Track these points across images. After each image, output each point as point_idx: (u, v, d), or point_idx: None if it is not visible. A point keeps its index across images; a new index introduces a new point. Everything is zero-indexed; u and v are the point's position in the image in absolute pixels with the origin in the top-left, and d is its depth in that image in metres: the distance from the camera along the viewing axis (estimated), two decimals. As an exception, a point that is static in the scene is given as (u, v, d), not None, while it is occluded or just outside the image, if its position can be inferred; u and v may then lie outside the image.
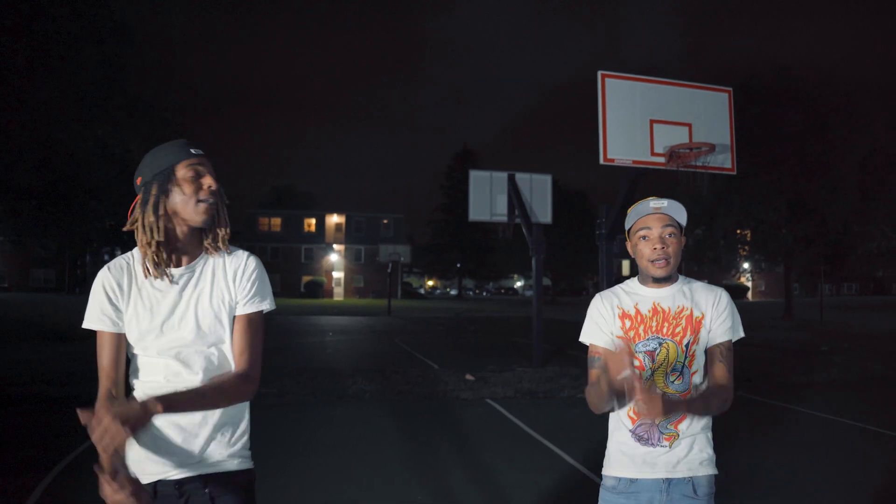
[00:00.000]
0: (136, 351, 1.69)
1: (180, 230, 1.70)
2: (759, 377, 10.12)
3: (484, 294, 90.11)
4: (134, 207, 1.70)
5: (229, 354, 1.73)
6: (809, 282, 57.82)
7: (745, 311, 26.70)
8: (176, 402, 1.49)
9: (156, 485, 1.63)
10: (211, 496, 1.66)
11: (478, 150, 70.75)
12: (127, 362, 1.71)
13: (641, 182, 8.14)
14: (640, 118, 7.72)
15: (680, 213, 1.95)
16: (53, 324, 18.84)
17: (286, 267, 58.88)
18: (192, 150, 1.71)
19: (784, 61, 29.34)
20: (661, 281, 1.96)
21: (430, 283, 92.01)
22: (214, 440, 1.69)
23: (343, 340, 16.09)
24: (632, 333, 1.94)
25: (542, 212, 12.40)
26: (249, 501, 1.74)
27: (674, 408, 1.75)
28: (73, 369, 9.67)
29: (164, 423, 1.63)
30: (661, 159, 7.75)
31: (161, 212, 1.65)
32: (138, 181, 1.71)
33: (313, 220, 64.69)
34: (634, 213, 1.99)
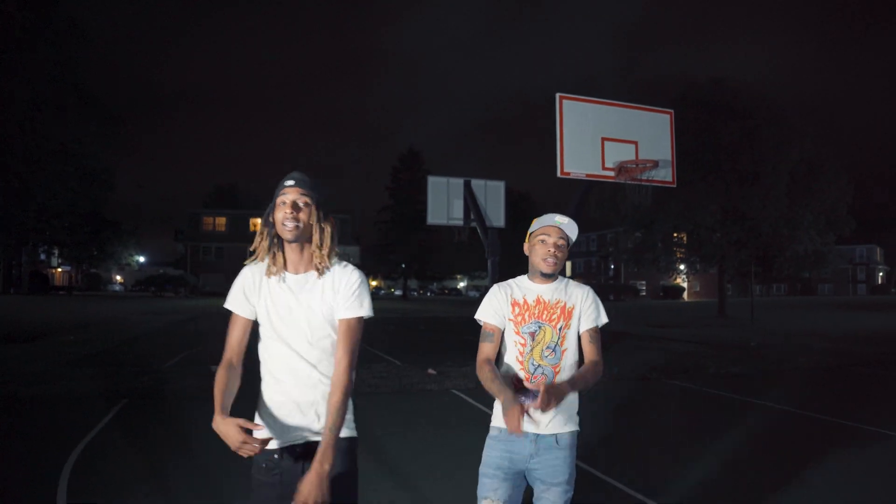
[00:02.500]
0: (262, 339, 2.18)
1: (290, 248, 2.19)
2: (694, 369, 11.11)
3: (428, 294, 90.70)
4: (260, 230, 2.23)
5: (330, 348, 2.17)
6: (741, 283, 60.62)
7: (681, 310, 28.01)
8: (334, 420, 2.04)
9: (282, 450, 2.12)
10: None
11: (424, 153, 71.37)
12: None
13: (592, 192, 8.95)
14: (593, 136, 8.56)
15: (573, 231, 2.53)
16: (1, 325, 18.67)
17: (231, 267, 58.12)
18: (286, 183, 2.18)
19: (718, 75, 30.88)
20: (546, 277, 2.51)
21: (374, 283, 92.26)
22: (322, 416, 2.14)
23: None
24: (519, 318, 2.48)
25: (496, 216, 13.11)
26: (353, 461, 2.20)
27: (564, 392, 2.32)
28: (37, 369, 9.93)
29: (289, 405, 2.15)
30: (611, 173, 8.60)
31: (270, 233, 2.19)
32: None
33: (258, 220, 64.20)
34: (539, 222, 2.56)
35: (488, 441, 2.51)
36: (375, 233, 67.92)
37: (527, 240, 2.59)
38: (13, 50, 14.45)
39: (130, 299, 49.46)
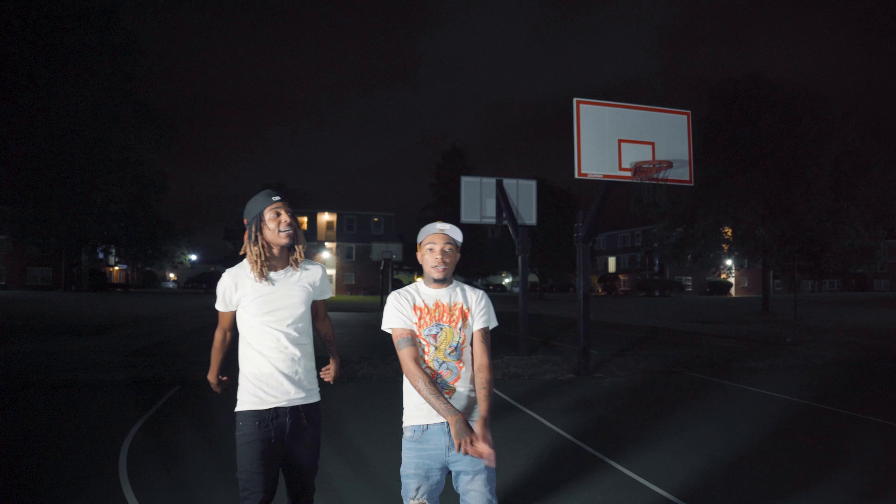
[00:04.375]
0: (252, 323, 2.72)
1: (274, 250, 2.75)
2: (721, 363, 11.39)
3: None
4: (245, 238, 2.77)
5: (307, 333, 2.84)
6: (789, 278, 59.36)
7: (726, 306, 27.95)
8: (332, 345, 3.15)
9: (273, 411, 2.67)
10: (306, 417, 2.75)
11: (467, 151, 71.60)
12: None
13: (612, 192, 9.33)
14: (610, 138, 8.95)
15: (457, 234, 2.73)
16: (62, 319, 19.88)
17: (279, 264, 59.50)
18: (273, 198, 2.73)
19: (757, 69, 30.55)
20: (439, 282, 2.68)
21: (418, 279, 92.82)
22: (305, 380, 2.79)
23: (343, 333, 17.19)
24: (421, 321, 2.62)
25: (528, 214, 13.56)
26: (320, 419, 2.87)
27: (487, 424, 2.46)
28: (101, 359, 10.80)
29: (279, 369, 2.71)
30: (628, 173, 8.99)
31: (260, 242, 2.71)
32: (244, 221, 2.79)
33: (305, 219, 65.58)
34: (424, 232, 2.72)
35: (404, 443, 2.63)
36: (418, 230, 68.43)
37: (418, 249, 2.75)
38: (74, 63, 15.42)
39: (183, 296, 51.24)
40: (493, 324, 2.74)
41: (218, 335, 2.96)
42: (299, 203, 72.17)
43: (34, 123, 14.84)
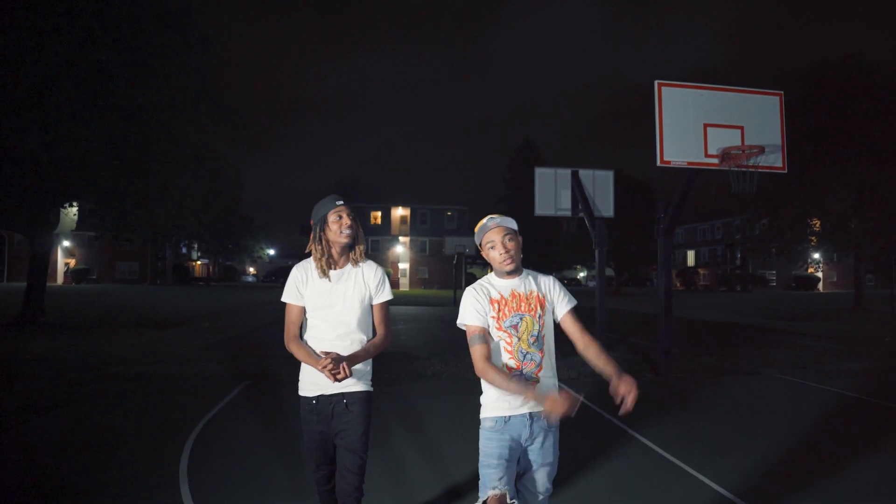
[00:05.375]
0: (311, 318, 2.96)
1: (335, 250, 2.95)
2: (812, 364, 10.59)
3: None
4: (311, 237, 2.98)
5: (363, 327, 2.94)
6: (885, 273, 55.92)
7: (814, 302, 26.48)
8: (358, 357, 2.84)
9: (318, 398, 2.91)
10: (346, 404, 2.89)
11: (539, 145, 70.39)
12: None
13: (696, 181, 8.72)
14: (694, 123, 8.35)
15: (510, 223, 2.71)
16: (145, 312, 20.52)
17: (353, 258, 60.32)
18: (337, 202, 2.94)
19: (853, 50, 28.54)
20: (511, 273, 2.70)
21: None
22: (354, 373, 2.84)
23: (414, 328, 17.03)
24: (500, 314, 2.63)
25: (605, 206, 12.99)
26: (368, 408, 2.96)
27: (619, 370, 2.54)
28: (177, 351, 10.94)
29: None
30: (715, 160, 8.36)
31: (324, 241, 2.93)
32: (311, 223, 3.00)
33: (379, 213, 66.24)
34: (480, 231, 2.73)
35: (484, 433, 2.64)
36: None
37: (481, 248, 2.75)
38: (152, 63, 15.75)
39: (261, 289, 52.56)
40: (574, 302, 2.77)
41: (291, 339, 2.95)
42: (373, 198, 72.97)
43: (114, 125, 15.23)
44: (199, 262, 76.01)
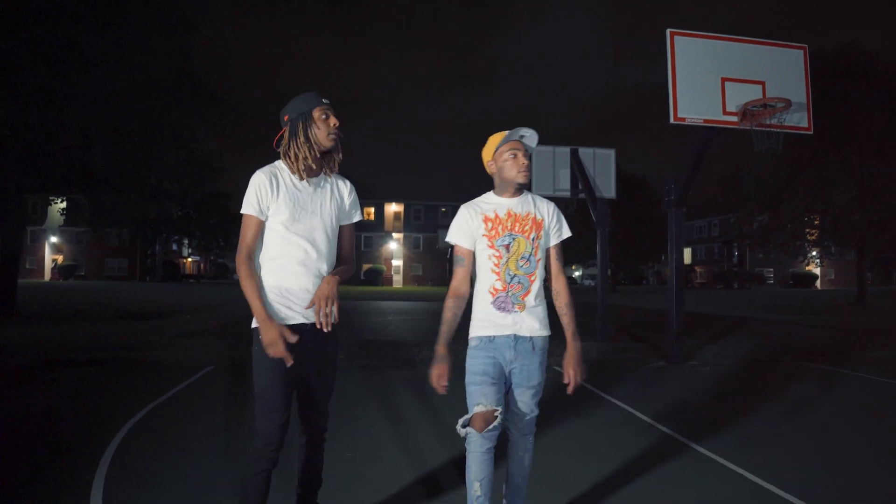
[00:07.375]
0: (279, 230, 2.43)
1: (314, 153, 2.48)
2: (833, 352, 9.79)
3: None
4: (282, 136, 2.51)
5: (330, 252, 2.53)
6: (883, 270, 55.17)
7: (814, 298, 25.82)
8: (340, 276, 2.46)
9: (299, 326, 2.39)
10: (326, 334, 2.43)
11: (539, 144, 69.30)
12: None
13: (713, 142, 7.85)
14: (711, 77, 7.47)
15: (534, 141, 2.61)
16: (128, 306, 19.69)
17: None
18: (323, 100, 2.50)
19: (851, 38, 27.71)
20: (516, 191, 2.61)
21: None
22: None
23: (406, 320, 16.25)
24: (493, 232, 2.55)
25: (606, 186, 12.18)
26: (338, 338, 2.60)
27: (581, 357, 2.64)
28: (151, 340, 10.09)
29: (303, 285, 2.43)
30: (734, 118, 7.51)
31: (311, 140, 2.45)
32: (285, 118, 2.51)
33: (372, 209, 65.38)
34: (507, 138, 2.58)
35: (470, 352, 2.58)
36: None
37: (490, 157, 2.66)
38: (131, 43, 14.89)
39: (252, 287, 51.55)
40: (568, 234, 2.74)
41: (244, 260, 2.43)
42: (366, 194, 72.14)
43: (91, 105, 14.38)
44: (189, 259, 75.01)
